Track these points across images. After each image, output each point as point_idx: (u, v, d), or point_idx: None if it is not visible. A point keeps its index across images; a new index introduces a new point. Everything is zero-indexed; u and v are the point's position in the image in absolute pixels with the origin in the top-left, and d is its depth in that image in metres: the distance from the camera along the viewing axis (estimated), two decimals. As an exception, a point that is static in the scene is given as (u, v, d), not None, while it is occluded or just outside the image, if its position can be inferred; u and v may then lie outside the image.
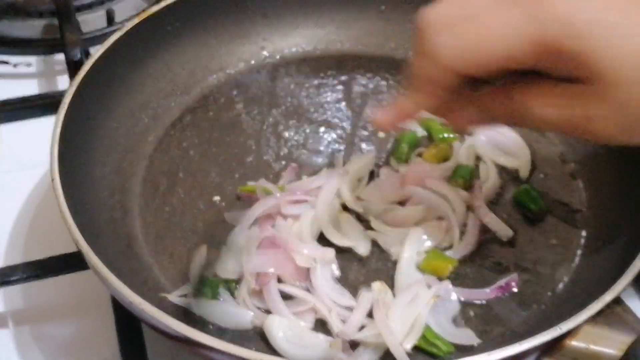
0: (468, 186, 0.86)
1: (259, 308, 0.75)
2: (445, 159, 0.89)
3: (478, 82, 0.66)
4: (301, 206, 0.82)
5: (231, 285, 0.77)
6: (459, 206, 0.83)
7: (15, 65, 1.12)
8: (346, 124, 0.94)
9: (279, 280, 0.77)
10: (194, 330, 0.65)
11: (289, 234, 0.79)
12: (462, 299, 0.77)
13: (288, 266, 0.76)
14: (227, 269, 0.77)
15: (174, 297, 0.76)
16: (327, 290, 0.76)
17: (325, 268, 0.78)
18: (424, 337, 0.72)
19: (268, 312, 0.75)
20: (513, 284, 0.78)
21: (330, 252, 0.78)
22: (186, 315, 0.75)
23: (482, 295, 0.77)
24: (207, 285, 0.76)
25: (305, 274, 0.77)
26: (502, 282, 0.78)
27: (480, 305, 0.77)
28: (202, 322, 0.74)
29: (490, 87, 0.67)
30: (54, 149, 0.77)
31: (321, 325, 0.75)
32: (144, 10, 0.94)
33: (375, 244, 0.81)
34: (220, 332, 0.74)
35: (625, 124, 0.61)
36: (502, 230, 0.82)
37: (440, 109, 0.69)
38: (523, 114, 0.65)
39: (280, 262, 0.76)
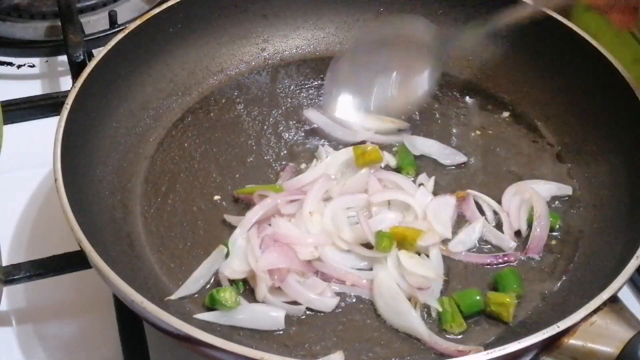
0: (417, 172, 0.88)
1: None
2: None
3: None
4: (297, 204, 0.83)
5: (239, 286, 0.77)
6: (412, 189, 0.85)
7: (18, 67, 1.13)
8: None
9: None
10: (194, 328, 0.65)
11: (288, 230, 0.80)
12: (464, 260, 0.80)
13: (295, 259, 0.78)
14: (234, 269, 0.78)
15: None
16: (344, 262, 0.79)
17: (331, 247, 0.80)
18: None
19: (294, 303, 0.76)
20: (512, 258, 0.81)
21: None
22: (186, 315, 0.75)
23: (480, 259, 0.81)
24: (222, 292, 0.75)
25: (310, 265, 0.79)
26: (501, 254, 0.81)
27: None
28: (229, 332, 0.74)
29: None
30: (57, 149, 0.78)
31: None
32: (145, 12, 0.95)
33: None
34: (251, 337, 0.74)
35: None
36: (494, 206, 0.84)
37: None
38: None
39: (287, 257, 0.77)
